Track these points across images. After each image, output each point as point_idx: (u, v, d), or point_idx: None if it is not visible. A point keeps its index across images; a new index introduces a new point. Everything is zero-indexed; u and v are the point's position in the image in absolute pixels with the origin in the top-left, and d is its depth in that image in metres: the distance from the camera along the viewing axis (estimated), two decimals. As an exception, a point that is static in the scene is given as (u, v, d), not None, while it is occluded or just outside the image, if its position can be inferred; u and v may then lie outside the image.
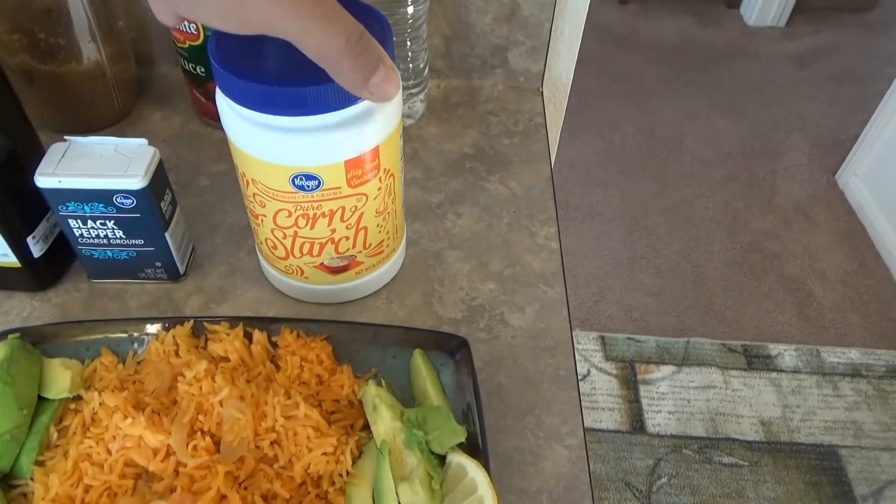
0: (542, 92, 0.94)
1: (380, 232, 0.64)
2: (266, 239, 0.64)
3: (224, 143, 0.59)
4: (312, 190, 0.57)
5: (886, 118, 2.36)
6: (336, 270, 0.66)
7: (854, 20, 3.50)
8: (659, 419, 2.05)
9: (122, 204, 0.62)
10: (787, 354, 2.22)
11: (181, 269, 0.71)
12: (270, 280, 0.71)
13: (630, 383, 2.12)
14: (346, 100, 0.52)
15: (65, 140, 0.64)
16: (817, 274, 2.36)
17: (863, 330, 2.28)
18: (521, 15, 0.88)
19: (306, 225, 0.60)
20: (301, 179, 0.56)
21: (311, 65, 0.45)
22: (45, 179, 0.61)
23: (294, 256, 0.64)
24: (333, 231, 0.61)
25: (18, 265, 0.66)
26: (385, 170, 0.59)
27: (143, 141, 0.64)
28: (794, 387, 2.18)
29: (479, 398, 0.58)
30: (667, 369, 2.18)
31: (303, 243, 0.62)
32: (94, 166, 0.62)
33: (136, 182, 0.61)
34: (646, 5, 3.60)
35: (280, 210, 0.59)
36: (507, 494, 0.56)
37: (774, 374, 2.19)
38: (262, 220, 0.62)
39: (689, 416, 2.10)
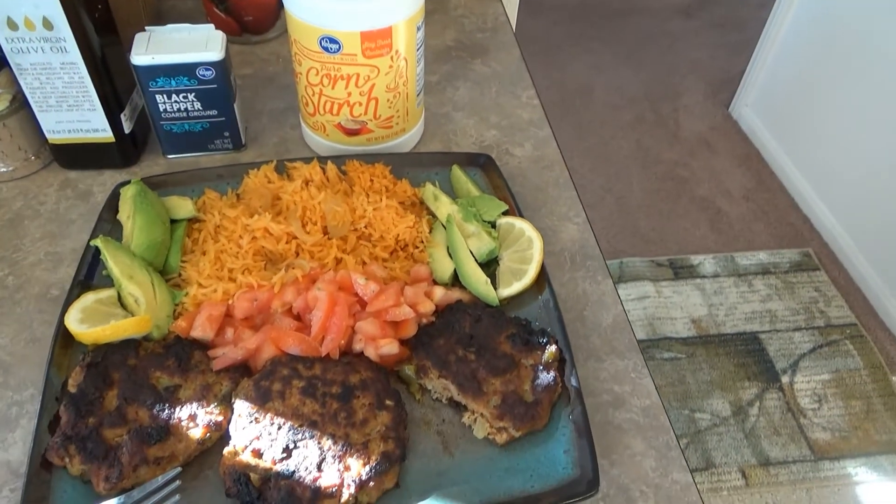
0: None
1: (390, 107, 0.80)
2: (302, 96, 0.81)
3: (244, 52, 0.73)
4: (334, 52, 0.73)
5: (765, 54, 2.72)
6: (350, 132, 0.81)
7: (725, -21, 3.92)
8: (606, 327, 2.29)
9: (203, 76, 0.77)
10: (706, 262, 2.52)
11: (243, 139, 0.85)
12: (307, 141, 0.87)
13: (577, 301, 2.36)
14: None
15: (145, 30, 0.77)
16: (723, 193, 2.69)
17: (767, 235, 2.62)
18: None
19: (329, 84, 0.76)
20: (326, 41, 0.72)
21: None
22: (140, 58, 0.75)
23: (319, 113, 0.80)
24: (349, 94, 0.77)
25: (112, 140, 0.80)
26: (397, 51, 0.76)
27: (211, 26, 0.78)
28: (716, 288, 2.48)
29: (510, 187, 0.76)
30: (606, 286, 2.43)
31: (325, 101, 0.78)
32: (177, 46, 0.76)
33: (215, 55, 0.76)
34: (543, -22, 3.89)
35: (311, 68, 0.75)
36: (540, 253, 0.75)
37: (698, 280, 2.48)
38: (299, 79, 0.78)
39: (631, 323, 2.36)
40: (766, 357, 2.36)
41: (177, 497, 0.51)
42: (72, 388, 0.58)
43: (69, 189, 0.81)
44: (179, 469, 0.54)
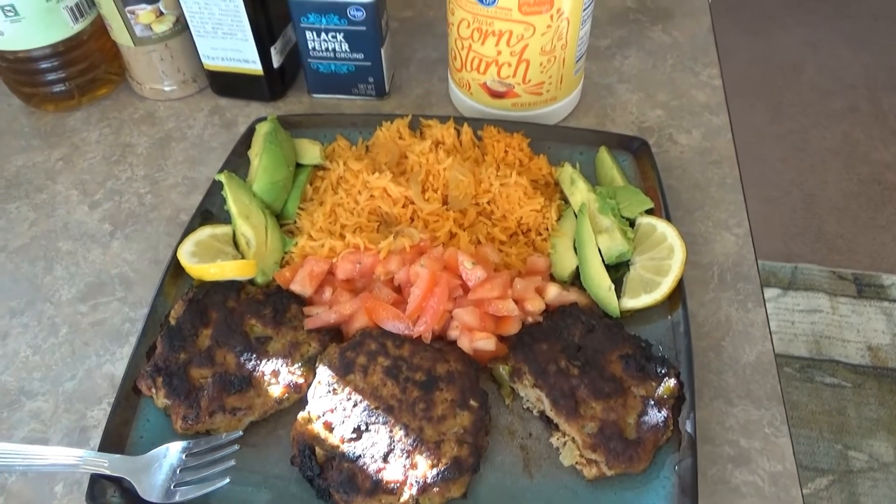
0: (701, -43, 0.99)
1: (542, 72, 0.72)
2: (451, 49, 0.74)
3: None
4: (488, 4, 0.65)
5: None
6: (494, 94, 0.74)
7: None
8: (762, 335, 2.07)
9: (354, 16, 0.73)
10: (900, 285, 2.18)
11: (387, 87, 0.82)
12: (451, 97, 0.81)
13: (734, 301, 2.15)
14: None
15: (304, -37, 0.75)
16: (940, 208, 2.29)
17: None
18: None
19: (479, 39, 0.69)
20: None
21: None
22: (294, -9, 0.72)
23: (466, 70, 0.73)
24: (499, 53, 0.69)
25: (260, 72, 0.79)
26: (559, 10, 0.66)
27: (369, -35, 0.74)
28: (906, 317, 2.14)
29: (662, 182, 0.66)
30: (772, 292, 2.19)
31: (473, 58, 0.71)
32: (332, -17, 0.73)
33: (368, -5, 0.72)
34: (768, -65, 3.45)
35: (462, 19, 0.68)
36: (683, 263, 0.65)
37: (886, 304, 2.16)
38: (451, 30, 0.72)
39: (793, 337, 2.11)
40: (953, 409, 2.02)
41: (232, 462, 0.50)
42: (172, 320, 0.59)
43: (216, 116, 0.82)
44: (241, 433, 0.53)
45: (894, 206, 2.36)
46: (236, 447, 0.51)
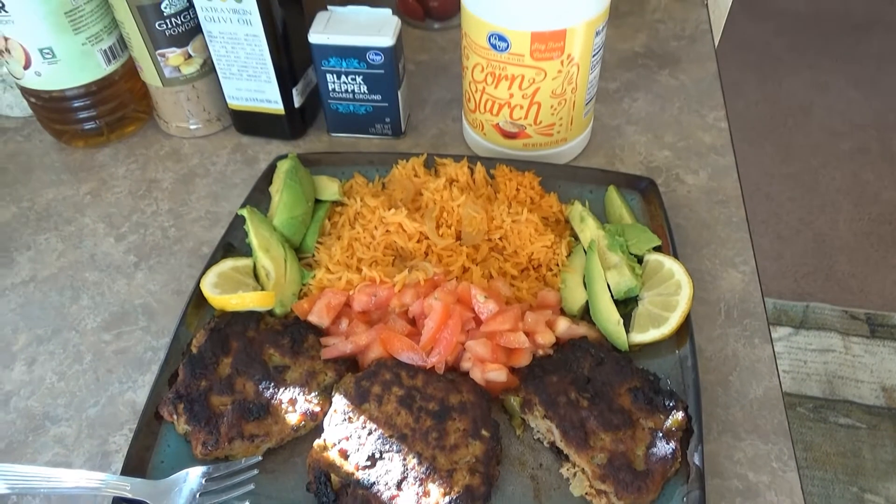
0: (706, 4, 1.02)
1: (552, 114, 0.74)
2: (465, 91, 0.77)
3: (424, 37, 0.71)
4: (502, 51, 0.68)
5: None
6: (507, 135, 0.77)
7: None
8: (774, 375, 2.06)
9: (373, 60, 0.77)
10: (913, 325, 2.17)
11: (403, 127, 0.85)
12: (465, 137, 0.84)
13: (745, 340, 2.14)
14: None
15: (327, 9, 0.79)
16: (952, 249, 2.29)
17: None
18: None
19: (492, 83, 0.72)
20: (495, 38, 0.68)
21: None
22: (317, 37, 0.76)
23: (479, 111, 0.76)
24: (511, 96, 0.72)
25: (282, 112, 0.83)
26: (569, 55, 0.69)
27: (388, 10, 0.78)
28: (921, 358, 2.13)
29: (669, 220, 0.68)
30: (783, 330, 2.18)
31: (487, 100, 0.74)
32: (352, 28, 0.76)
33: (387, 40, 0.75)
34: (775, -20, 3.53)
35: (477, 64, 0.72)
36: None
37: (899, 344, 2.15)
38: (465, 73, 0.75)
39: (805, 377, 2.10)
40: (971, 451, 1.99)
41: (251, 486, 0.51)
42: (193, 349, 0.61)
43: (239, 153, 0.86)
44: (260, 458, 0.54)
45: (906, 247, 2.36)
46: (255, 472, 0.52)
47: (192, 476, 0.52)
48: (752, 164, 2.56)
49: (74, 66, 0.79)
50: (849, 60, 2.96)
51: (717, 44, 0.99)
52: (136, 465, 0.54)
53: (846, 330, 2.24)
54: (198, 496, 0.51)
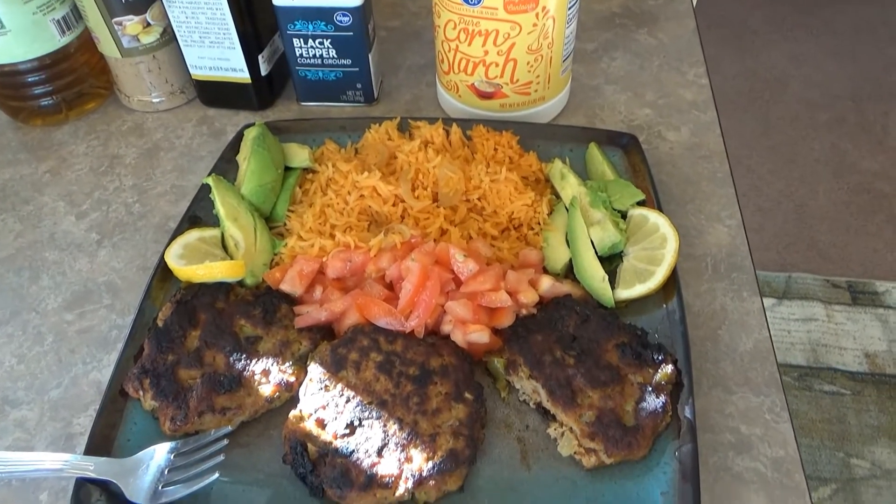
0: (682, -37, 1.00)
1: (529, 72, 0.72)
2: (438, 52, 0.75)
3: (396, 3, 0.68)
4: (474, 4, 0.66)
5: None
6: (482, 95, 0.74)
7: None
8: (759, 346, 2.06)
9: (340, 22, 0.74)
10: (895, 291, 2.18)
11: (375, 93, 0.82)
12: (440, 101, 0.81)
13: (730, 312, 2.14)
14: None
15: (290, -28, 0.75)
16: (930, 215, 2.31)
17: (978, 271, 2.22)
18: None
19: (465, 40, 0.69)
20: None
21: None
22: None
23: (454, 72, 0.73)
24: (486, 53, 0.69)
25: (248, 81, 0.79)
26: (544, 8, 0.67)
27: (356, -30, 0.75)
28: (902, 323, 2.14)
29: (652, 175, 0.66)
30: (767, 301, 2.18)
31: (461, 59, 0.71)
32: (318, -11, 0.73)
33: (355, 1, 0.72)
34: (748, -45, 3.52)
35: (449, 20, 0.69)
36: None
37: (881, 310, 2.16)
38: (437, 32, 0.72)
39: (790, 346, 2.10)
40: (954, 414, 2.01)
41: (221, 457, 0.48)
42: (159, 323, 0.58)
43: (205, 126, 0.82)
44: (231, 429, 0.51)
45: (884, 214, 2.38)
46: (225, 442, 0.50)
47: (160, 453, 0.50)
48: (731, 137, 2.55)
49: (25, 38, 0.75)
50: (825, 32, 2.97)
51: (695, 3, 0.97)
52: (100, 444, 0.51)
53: (828, 298, 2.25)
54: (166, 472, 0.48)
